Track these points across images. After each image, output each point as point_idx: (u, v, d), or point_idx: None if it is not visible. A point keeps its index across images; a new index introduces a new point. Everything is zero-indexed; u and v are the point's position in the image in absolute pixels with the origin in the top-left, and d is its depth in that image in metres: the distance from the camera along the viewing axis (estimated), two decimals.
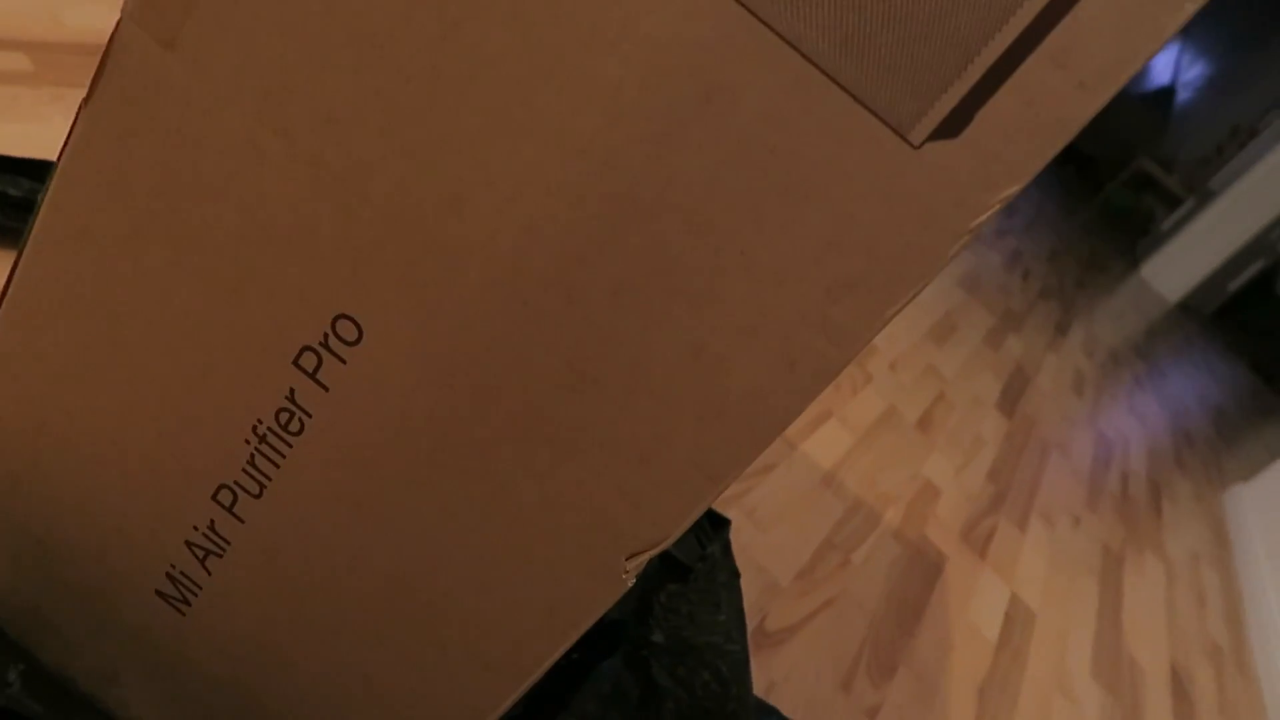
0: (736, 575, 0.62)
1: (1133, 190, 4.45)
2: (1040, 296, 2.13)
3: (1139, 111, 4.41)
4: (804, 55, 0.21)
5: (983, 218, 0.22)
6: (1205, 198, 3.49)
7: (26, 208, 0.51)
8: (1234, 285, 3.54)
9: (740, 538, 0.72)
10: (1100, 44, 0.20)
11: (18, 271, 0.30)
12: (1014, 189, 0.22)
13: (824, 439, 0.93)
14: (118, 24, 0.26)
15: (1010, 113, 0.21)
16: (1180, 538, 1.48)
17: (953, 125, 0.21)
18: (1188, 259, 3.43)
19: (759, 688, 0.61)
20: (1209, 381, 2.84)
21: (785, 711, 0.60)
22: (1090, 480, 1.39)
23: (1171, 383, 2.43)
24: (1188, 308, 3.51)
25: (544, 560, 0.28)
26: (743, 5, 0.21)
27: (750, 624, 0.65)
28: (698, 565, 0.60)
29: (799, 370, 0.24)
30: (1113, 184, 4.47)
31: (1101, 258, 3.24)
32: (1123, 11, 0.20)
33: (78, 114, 0.27)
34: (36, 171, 0.53)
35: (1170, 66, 4.48)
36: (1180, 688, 1.04)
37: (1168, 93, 4.49)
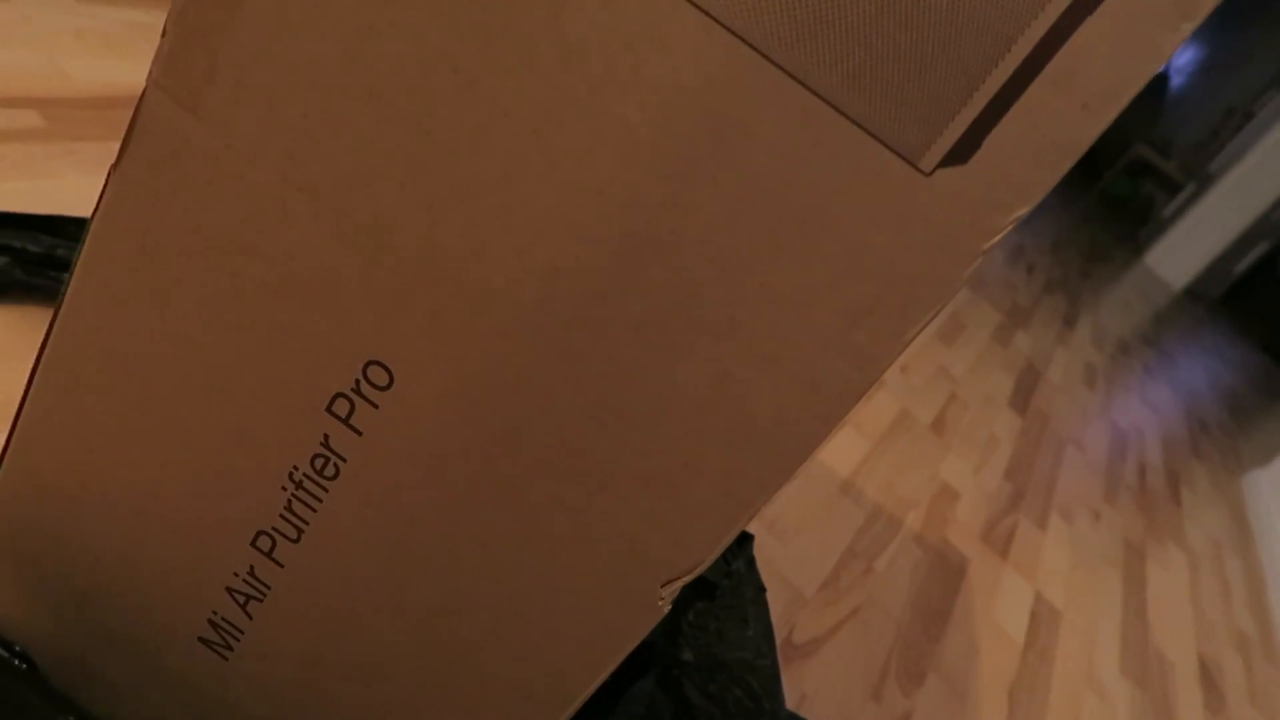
0: (763, 590, 0.62)
1: (1131, 178, 4.45)
2: (1045, 290, 2.13)
3: (1134, 98, 4.41)
4: (812, 90, 0.22)
5: (995, 239, 0.22)
6: (1205, 182, 3.49)
7: (48, 263, 0.52)
8: (1239, 268, 3.54)
9: (763, 551, 0.73)
10: (1101, 66, 0.21)
11: (53, 333, 0.30)
12: (1024, 210, 0.22)
13: (839, 446, 0.94)
14: (144, 91, 0.26)
15: (1017, 137, 0.21)
16: (1201, 526, 1.47)
17: (962, 152, 0.22)
18: (1191, 244, 3.43)
19: (791, 701, 0.61)
20: (1220, 366, 2.83)
21: None
22: (1107, 473, 1.39)
23: (1183, 370, 2.43)
24: (1194, 293, 3.51)
25: (580, 591, 0.29)
26: (751, 45, 0.22)
27: (778, 637, 0.65)
28: (724, 582, 0.61)
29: (823, 394, 0.25)
30: (1110, 172, 4.47)
31: (1104, 247, 3.24)
32: (1121, 34, 0.20)
33: (107, 178, 0.28)
34: (54, 227, 0.54)
35: None
36: (1210, 679, 1.04)
37: (1160, 78, 4.50)
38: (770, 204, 0.23)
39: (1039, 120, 0.21)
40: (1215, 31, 4.38)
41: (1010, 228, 0.22)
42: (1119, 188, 4.44)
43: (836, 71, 0.22)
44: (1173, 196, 3.94)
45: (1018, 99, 0.21)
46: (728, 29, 0.22)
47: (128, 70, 0.75)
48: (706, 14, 0.22)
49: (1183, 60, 4.50)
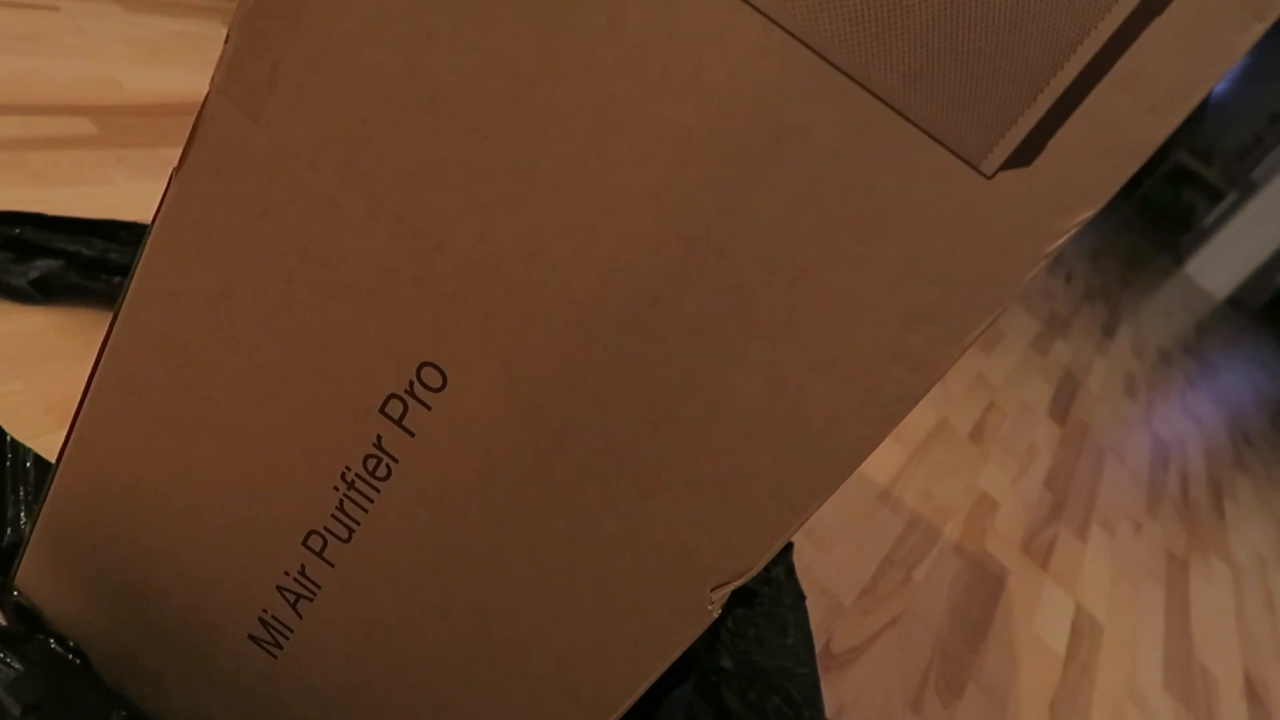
0: (802, 598, 0.62)
1: (1171, 185, 4.39)
2: (1085, 299, 2.10)
3: None
4: (872, 93, 0.22)
5: (1058, 243, 0.22)
6: (1248, 189, 3.43)
7: (101, 266, 0.53)
8: None
9: (802, 559, 0.72)
10: (1168, 68, 0.20)
11: (113, 334, 0.31)
12: (1088, 214, 0.22)
13: (878, 455, 0.93)
14: (206, 96, 0.27)
15: (1081, 140, 0.21)
16: (1245, 540, 1.45)
17: (1024, 155, 0.22)
18: (1233, 253, 3.37)
19: (830, 710, 0.60)
20: (1263, 377, 2.78)
21: None
22: (1149, 484, 1.36)
23: (1225, 380, 2.38)
24: (1236, 303, 3.44)
25: (629, 595, 0.29)
26: (809, 47, 0.22)
27: (817, 645, 0.65)
28: (763, 589, 0.60)
29: (879, 399, 0.25)
30: (1150, 179, 4.41)
31: (1144, 256, 3.19)
32: (1190, 35, 0.20)
33: (169, 182, 0.28)
34: (107, 231, 0.55)
35: None
36: (1255, 695, 1.02)
37: None
38: (827, 208, 0.23)
39: (1104, 123, 0.21)
40: (1260, 38, 4.30)
41: (1074, 231, 0.22)
42: (1159, 195, 4.38)
43: (897, 74, 0.22)
44: (1214, 204, 3.88)
45: (1082, 102, 0.21)
46: (787, 31, 0.22)
47: (177, 79, 0.77)
48: (765, 16, 0.22)
49: None
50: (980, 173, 0.22)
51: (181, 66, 0.78)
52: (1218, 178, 4.14)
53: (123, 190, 0.62)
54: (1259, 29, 0.20)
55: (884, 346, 0.24)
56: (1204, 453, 1.71)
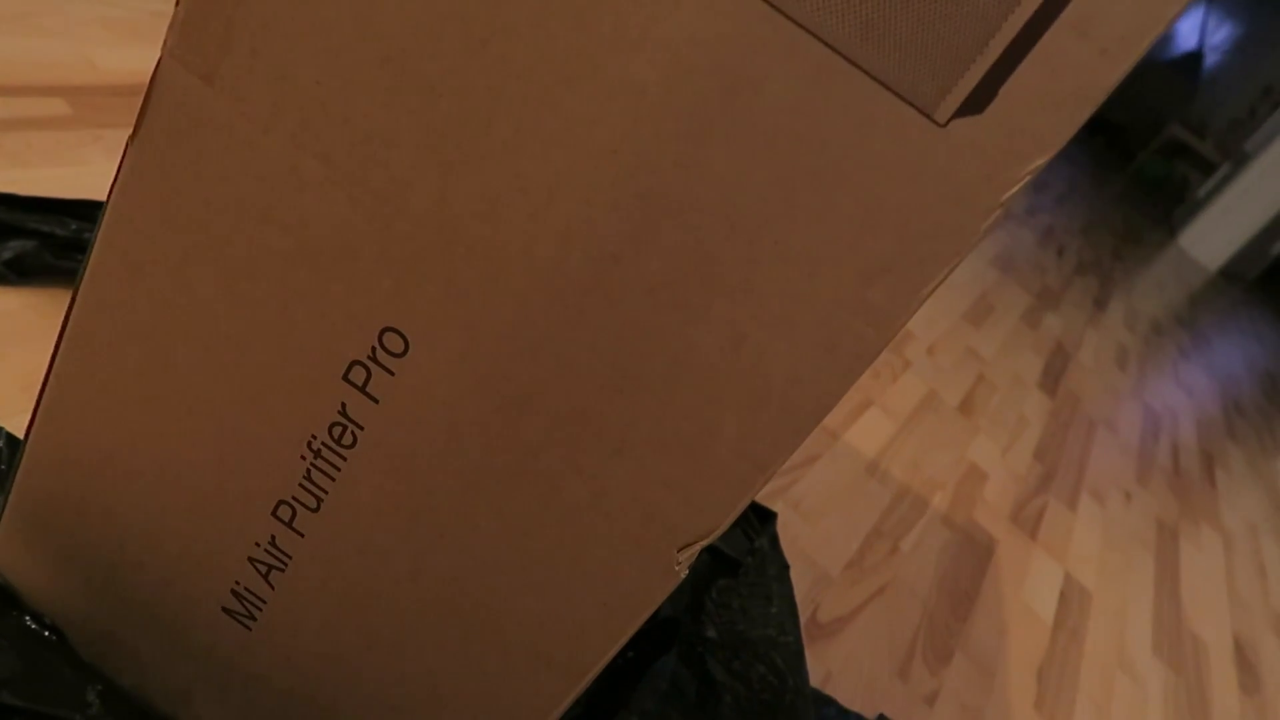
0: (786, 567, 0.62)
1: (1165, 158, 4.38)
2: (1076, 272, 2.10)
3: (1167, 77, 4.34)
4: (825, 43, 0.22)
5: (1012, 190, 0.22)
6: (1241, 161, 3.43)
7: (75, 247, 0.53)
8: (1276, 249, 3.47)
9: (788, 530, 0.72)
10: (1120, 10, 0.20)
11: (75, 306, 0.31)
12: (1042, 160, 0.22)
13: (866, 427, 0.93)
14: (159, 62, 0.27)
15: (1034, 85, 0.21)
16: (1236, 508, 1.45)
17: (977, 101, 0.21)
18: (1226, 225, 3.37)
19: (816, 679, 0.61)
20: (1256, 348, 2.78)
21: (843, 701, 0.60)
22: (1140, 455, 1.37)
23: (1218, 351, 2.39)
24: (1229, 274, 3.44)
25: (597, 557, 0.29)
26: None
27: (803, 616, 0.65)
28: (747, 559, 0.60)
29: (839, 354, 0.25)
30: (1144, 153, 4.40)
31: (1137, 229, 3.19)
32: None
33: (125, 151, 0.28)
34: (82, 211, 0.55)
35: (1197, 30, 4.40)
36: (1245, 661, 1.03)
37: (1195, 57, 4.41)
38: (783, 161, 0.23)
39: (1057, 68, 0.21)
40: (1251, 9, 4.29)
41: (1028, 178, 0.22)
42: (1153, 168, 4.37)
43: (848, 22, 0.21)
44: (1207, 177, 3.87)
45: (1034, 46, 0.21)
46: None
47: (153, 58, 0.76)
48: None
49: (1218, 38, 4.41)
50: (934, 121, 0.22)
51: (158, 46, 0.78)
52: (1211, 150, 4.13)
53: (98, 170, 0.62)
54: None
55: (843, 301, 0.24)
56: (1196, 423, 1.71)
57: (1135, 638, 0.92)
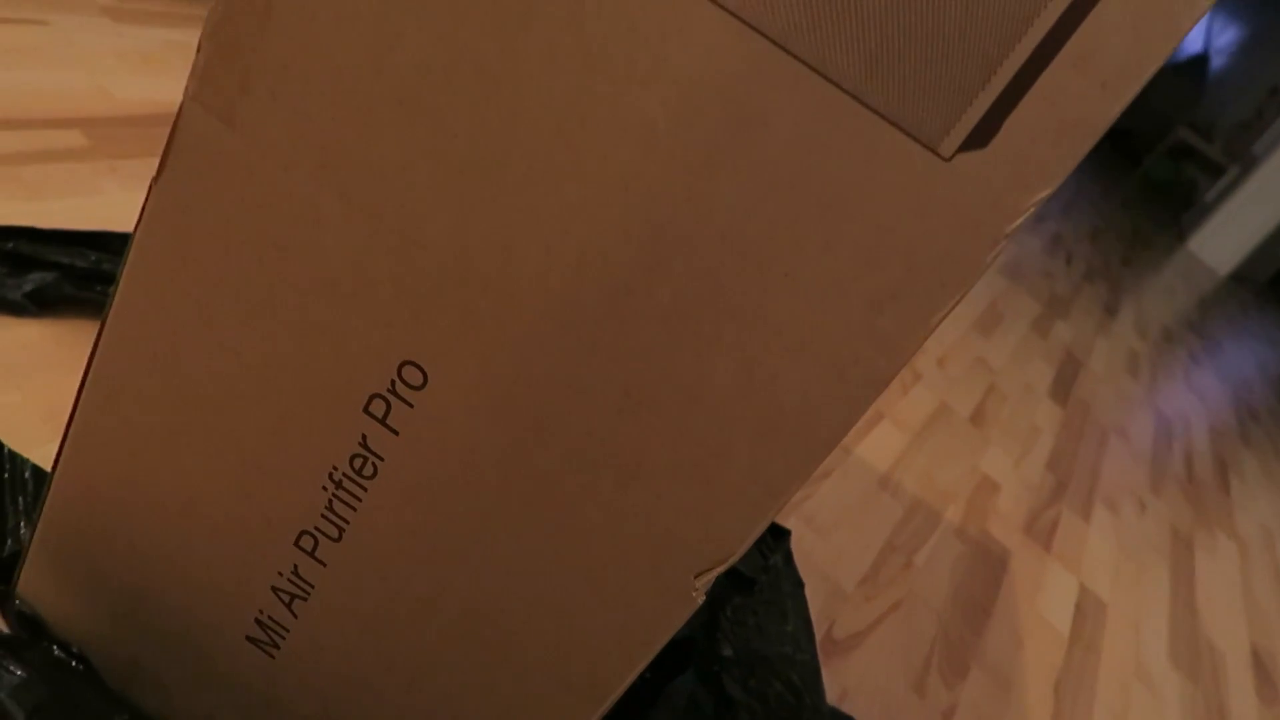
0: (801, 584, 0.62)
1: (1172, 162, 4.37)
2: (1085, 279, 2.10)
3: (1173, 81, 4.33)
4: (830, 79, 0.22)
5: (1018, 222, 0.22)
6: (1249, 164, 3.42)
7: (95, 277, 0.54)
8: None
9: (801, 546, 0.73)
10: (1119, 45, 0.21)
11: (100, 343, 0.31)
12: (1046, 192, 0.22)
13: (878, 441, 0.93)
14: (181, 106, 0.27)
15: (1037, 118, 0.21)
16: (1252, 515, 1.44)
17: (981, 135, 0.22)
18: (1236, 228, 3.36)
19: (832, 696, 0.61)
20: (1269, 352, 2.77)
21: (860, 718, 0.60)
22: (1153, 462, 1.36)
23: (1230, 356, 2.38)
24: (1240, 278, 3.43)
25: (615, 582, 0.29)
26: (767, 36, 0.22)
27: (818, 632, 0.65)
28: (761, 577, 0.61)
29: (850, 380, 0.25)
30: (1151, 157, 4.39)
31: (1145, 234, 3.18)
32: (1139, 12, 0.20)
33: (149, 191, 0.29)
34: (101, 242, 0.56)
35: (1202, 33, 4.40)
36: (1263, 670, 1.02)
37: (1201, 60, 4.41)
38: (791, 193, 0.23)
39: (1058, 101, 0.21)
40: (1256, 10, 4.29)
41: (1033, 209, 0.22)
42: (1160, 172, 4.37)
43: (853, 60, 0.22)
44: (1216, 180, 3.87)
45: (1036, 81, 0.21)
46: (744, 21, 0.22)
47: (167, 87, 0.77)
48: (722, 7, 0.22)
49: (1223, 40, 4.41)
50: (938, 155, 0.22)
51: (171, 75, 0.79)
52: (1219, 153, 4.12)
53: (115, 200, 0.63)
54: (1205, 4, 0.20)
55: (853, 328, 0.24)
56: (1209, 430, 1.70)
57: (1152, 648, 0.91)
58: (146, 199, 0.29)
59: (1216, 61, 4.40)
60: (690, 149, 0.24)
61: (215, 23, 0.26)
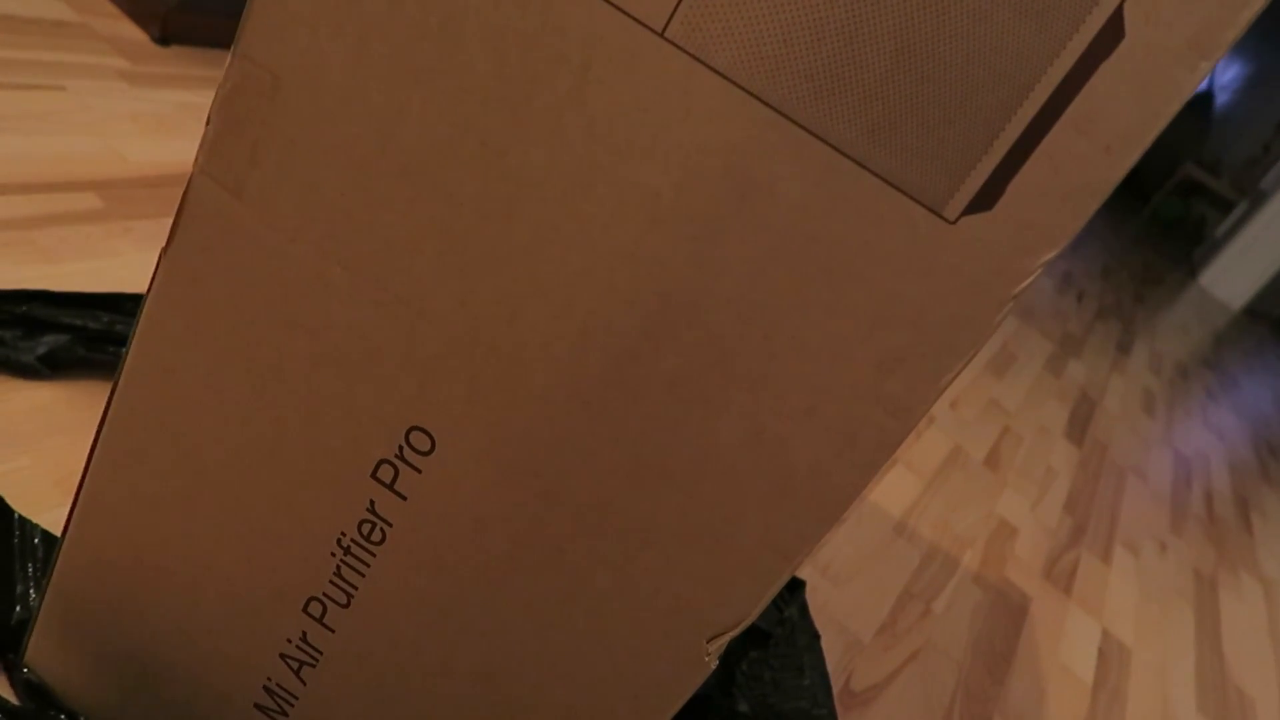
0: (817, 637, 0.61)
1: (1181, 198, 4.38)
2: (1098, 317, 2.09)
3: (1179, 118, 4.35)
4: (833, 146, 0.22)
5: (1024, 284, 0.22)
6: (1258, 199, 3.42)
7: (107, 339, 0.54)
8: None
9: (817, 596, 0.72)
10: (1121, 109, 0.21)
11: (110, 411, 0.31)
12: (1052, 253, 0.22)
13: (892, 486, 0.92)
14: (191, 178, 0.28)
15: (1041, 181, 0.21)
16: (1276, 555, 1.42)
17: (986, 199, 0.22)
18: (1248, 263, 3.35)
19: None
20: None
21: None
22: (1172, 503, 1.35)
23: (1247, 392, 2.36)
24: (1254, 312, 3.41)
25: (626, 648, 0.29)
26: (769, 105, 0.22)
27: (836, 685, 0.64)
28: (777, 630, 0.60)
29: (860, 444, 0.25)
30: (1160, 194, 4.40)
31: (1157, 270, 3.18)
32: (1140, 75, 0.21)
33: (158, 261, 0.29)
34: (114, 304, 0.56)
35: None
36: None
37: (1206, 97, 4.43)
38: (796, 259, 0.23)
39: (1061, 165, 0.21)
40: (1260, 46, 4.32)
41: (1039, 272, 0.22)
42: (1169, 209, 4.37)
43: (856, 127, 0.22)
44: (1225, 215, 3.87)
45: (1039, 145, 0.21)
46: (746, 90, 0.22)
47: (180, 149, 0.78)
48: (724, 77, 0.22)
49: (1228, 77, 4.44)
50: (943, 218, 0.22)
51: (184, 137, 0.80)
52: (1227, 188, 4.13)
53: (129, 262, 0.63)
54: (1206, 67, 0.20)
55: (861, 392, 0.24)
56: (1228, 467, 1.68)
57: (1178, 695, 0.89)
58: (156, 268, 0.29)
59: (1221, 98, 4.43)
60: (695, 217, 0.24)
61: (224, 96, 0.27)
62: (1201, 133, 4.39)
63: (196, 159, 0.28)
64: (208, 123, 0.27)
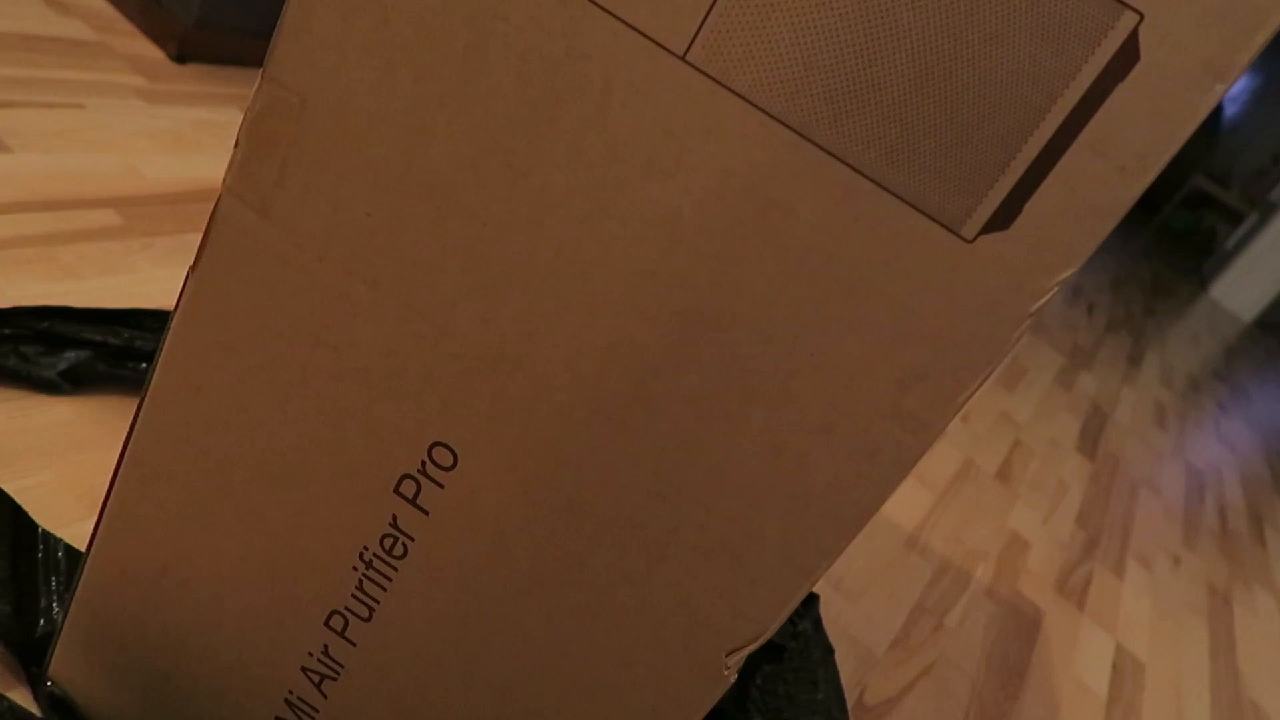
0: (830, 651, 0.61)
1: (1190, 210, 4.37)
2: (1108, 329, 2.09)
3: None
4: (852, 167, 0.23)
5: (1041, 301, 0.23)
6: (1268, 210, 3.41)
7: (128, 355, 0.55)
8: None
9: (830, 610, 0.72)
10: (1137, 130, 0.21)
11: (136, 427, 0.32)
12: (1068, 272, 0.22)
13: (904, 500, 0.92)
14: (219, 198, 0.28)
15: (1057, 202, 0.22)
16: None
17: (1003, 218, 0.22)
18: (1258, 274, 3.34)
19: None
20: None
21: None
22: (1185, 516, 1.34)
23: (1259, 404, 2.35)
24: (1265, 324, 3.40)
25: (646, 663, 0.29)
26: (788, 127, 0.23)
27: (850, 699, 0.64)
28: (790, 644, 0.60)
29: (878, 460, 0.25)
30: (1169, 205, 4.39)
31: (1167, 282, 3.17)
32: (1155, 97, 0.21)
33: (186, 279, 0.29)
34: (134, 320, 0.57)
35: None
36: None
37: (1215, 109, 4.43)
38: (815, 277, 0.24)
39: (1077, 185, 0.22)
40: (1269, 58, 4.31)
41: (1056, 290, 0.22)
42: (1179, 221, 4.36)
43: (874, 148, 0.22)
44: (1235, 226, 3.86)
45: (1055, 165, 0.22)
46: (766, 112, 0.23)
47: (198, 165, 0.79)
48: (745, 99, 0.23)
49: (1237, 89, 4.44)
50: (961, 238, 0.22)
51: (202, 153, 0.81)
52: (1237, 200, 4.12)
53: (148, 278, 0.64)
54: (1220, 89, 0.20)
55: (880, 409, 0.25)
56: (1241, 480, 1.68)
57: (1193, 709, 0.89)
58: (184, 287, 0.30)
59: (1230, 110, 4.42)
60: (715, 236, 0.24)
61: (252, 119, 0.27)
62: (1210, 144, 4.38)
63: (225, 179, 0.28)
64: (236, 144, 0.28)
